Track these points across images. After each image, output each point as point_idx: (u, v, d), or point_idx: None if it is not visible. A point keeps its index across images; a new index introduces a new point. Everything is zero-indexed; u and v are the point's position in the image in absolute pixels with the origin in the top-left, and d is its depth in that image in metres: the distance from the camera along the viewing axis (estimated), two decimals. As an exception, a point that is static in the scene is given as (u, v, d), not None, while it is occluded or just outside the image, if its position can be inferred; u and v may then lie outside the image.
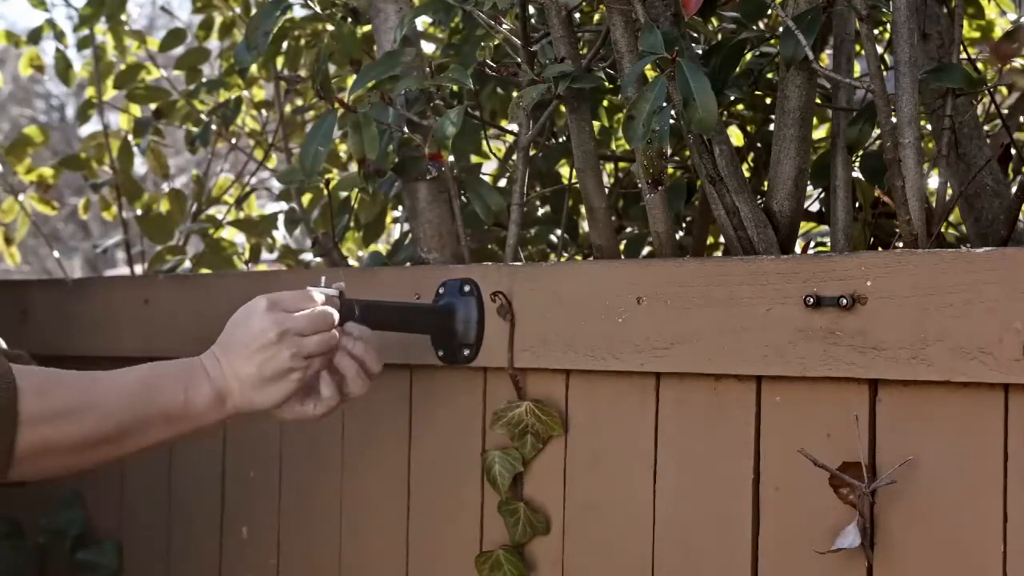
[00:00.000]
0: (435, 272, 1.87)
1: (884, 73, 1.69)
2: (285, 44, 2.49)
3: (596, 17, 2.17)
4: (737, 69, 1.87)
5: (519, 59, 1.91)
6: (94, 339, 2.26)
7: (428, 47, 2.38)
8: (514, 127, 2.08)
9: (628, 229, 2.33)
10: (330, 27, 2.29)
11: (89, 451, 1.64)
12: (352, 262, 2.58)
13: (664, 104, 1.57)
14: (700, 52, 1.88)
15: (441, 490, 1.87)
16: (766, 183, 1.78)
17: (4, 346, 1.76)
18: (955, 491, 1.42)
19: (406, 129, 1.98)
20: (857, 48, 1.85)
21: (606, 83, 1.94)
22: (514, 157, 1.96)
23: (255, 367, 1.66)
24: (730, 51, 1.82)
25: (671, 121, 1.65)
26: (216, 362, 1.67)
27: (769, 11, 1.99)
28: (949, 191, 1.85)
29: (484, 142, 2.25)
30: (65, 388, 1.63)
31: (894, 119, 1.61)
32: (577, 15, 2.02)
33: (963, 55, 1.95)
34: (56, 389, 1.62)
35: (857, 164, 1.95)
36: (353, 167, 2.20)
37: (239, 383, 1.66)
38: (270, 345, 1.66)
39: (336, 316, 1.70)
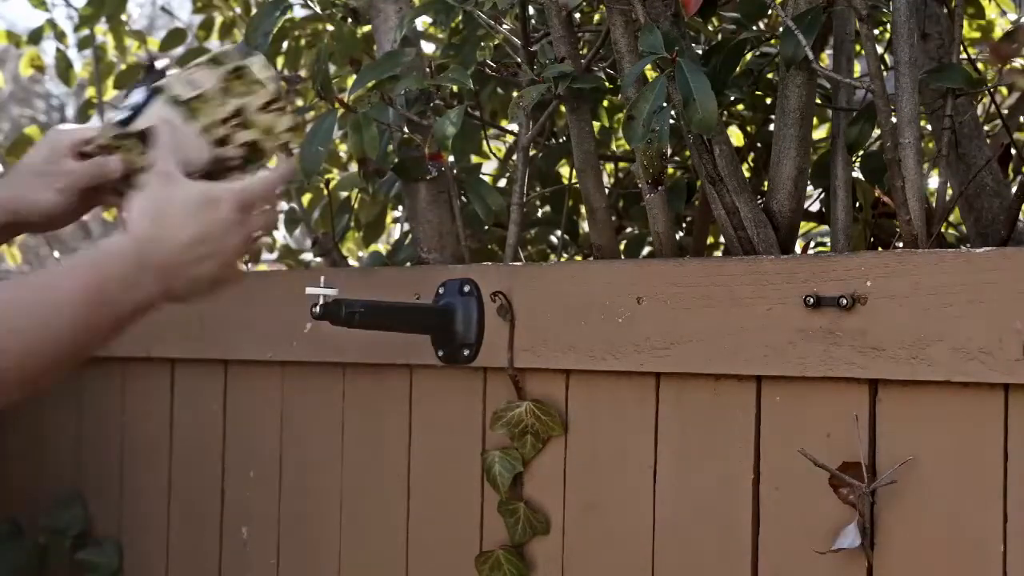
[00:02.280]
0: (435, 272, 1.87)
1: (884, 73, 1.69)
2: (285, 44, 2.49)
3: (596, 17, 2.17)
4: (737, 69, 1.87)
5: (519, 59, 1.91)
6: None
7: (428, 47, 2.38)
8: (514, 127, 2.08)
9: (628, 229, 2.33)
10: (330, 27, 2.29)
11: (34, 369, 1.48)
12: (352, 262, 2.58)
13: (664, 104, 1.57)
14: (700, 52, 1.88)
15: (441, 490, 1.87)
16: (766, 183, 1.78)
17: None
18: (955, 491, 1.42)
19: (406, 129, 1.98)
20: (857, 48, 1.85)
21: (606, 83, 1.94)
22: (514, 157, 1.96)
23: (207, 269, 1.52)
24: (730, 51, 1.82)
25: (671, 121, 1.65)
26: (163, 252, 1.50)
27: (769, 11, 1.99)
28: (949, 191, 1.85)
29: (484, 142, 2.25)
30: (16, 299, 1.46)
31: (894, 119, 1.61)
32: (577, 15, 2.02)
33: (963, 55, 1.95)
34: (5, 301, 1.45)
35: (857, 164, 1.95)
36: (353, 167, 2.20)
37: (185, 282, 1.52)
38: (229, 252, 1.52)
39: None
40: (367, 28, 2.25)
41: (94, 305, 1.49)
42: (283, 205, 1.59)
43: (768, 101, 2.12)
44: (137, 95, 1.57)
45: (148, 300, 1.52)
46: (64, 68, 3.00)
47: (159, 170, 1.54)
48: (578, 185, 1.90)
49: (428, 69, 2.04)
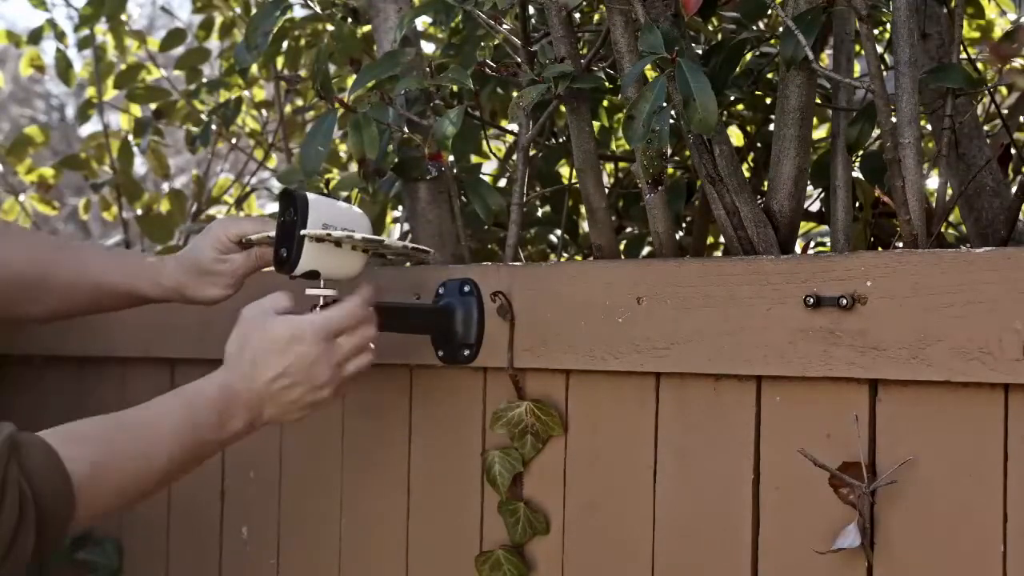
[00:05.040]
0: (435, 272, 1.87)
1: (884, 73, 1.69)
2: (285, 44, 2.49)
3: (596, 17, 2.17)
4: (737, 69, 1.87)
5: (519, 59, 1.91)
6: (93, 340, 2.26)
7: (428, 47, 2.38)
8: (514, 127, 2.08)
9: (628, 229, 2.33)
10: (330, 27, 2.29)
11: (132, 504, 1.63)
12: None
13: (664, 104, 1.57)
14: (700, 52, 1.88)
15: (441, 490, 1.87)
16: (766, 183, 1.78)
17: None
18: (955, 491, 1.42)
19: (406, 129, 1.98)
20: (857, 48, 1.85)
21: (606, 83, 1.94)
22: (514, 157, 1.96)
23: (296, 396, 1.66)
24: (730, 51, 1.82)
25: (671, 121, 1.65)
26: (252, 389, 1.64)
27: (769, 11, 1.99)
28: (949, 191, 1.85)
29: (484, 142, 2.25)
30: (116, 462, 1.57)
31: (894, 119, 1.61)
32: (577, 15, 2.02)
33: (963, 55, 1.95)
34: (109, 466, 1.56)
35: (857, 164, 1.95)
36: (353, 167, 2.20)
37: (276, 409, 1.66)
38: (318, 380, 1.66)
39: (374, 330, 1.71)
40: (367, 28, 2.25)
41: (187, 448, 1.62)
42: (372, 331, 1.72)
43: (768, 101, 2.12)
44: (287, 243, 1.71)
45: (237, 434, 1.66)
46: (64, 68, 3.00)
47: (252, 313, 1.68)
48: (578, 185, 1.90)
49: (428, 69, 2.04)
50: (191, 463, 1.65)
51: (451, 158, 2.03)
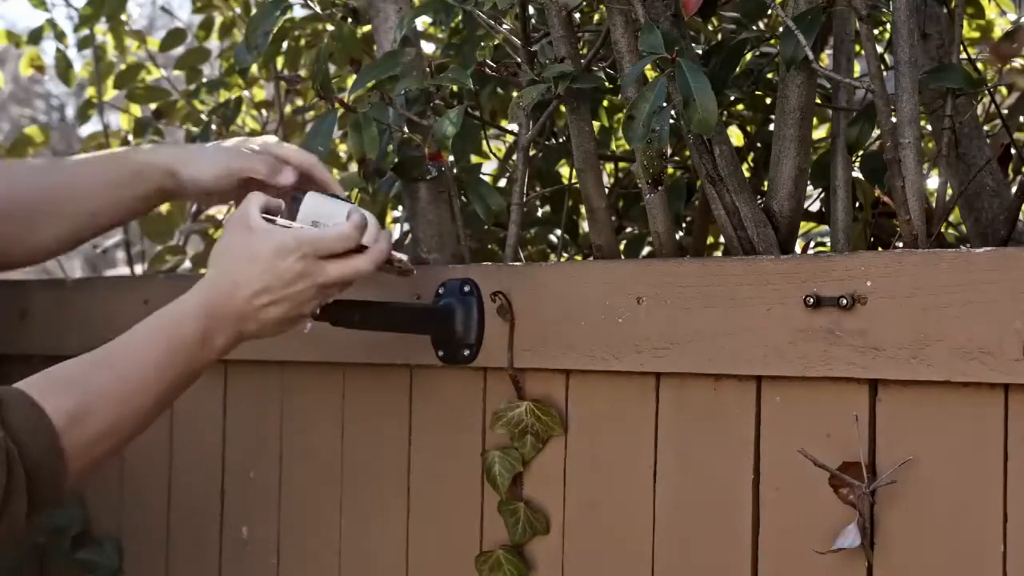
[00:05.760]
0: (435, 272, 1.87)
1: (884, 73, 1.69)
2: (285, 44, 2.48)
3: (596, 17, 2.17)
4: (737, 69, 1.87)
5: (519, 59, 1.91)
6: (93, 339, 2.26)
7: (428, 47, 2.38)
8: (514, 127, 2.08)
9: (628, 229, 2.33)
10: (330, 27, 2.29)
11: (128, 441, 1.62)
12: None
13: (664, 104, 1.57)
14: (700, 52, 1.88)
15: (441, 490, 1.87)
16: (766, 183, 1.78)
17: None
18: (955, 491, 1.42)
19: (406, 129, 1.98)
20: (857, 48, 1.85)
21: (606, 83, 1.94)
22: (514, 157, 1.96)
23: (278, 314, 1.64)
24: (730, 51, 1.82)
25: (671, 121, 1.65)
26: (232, 306, 1.62)
27: (769, 11, 1.99)
28: (949, 191, 1.85)
29: (484, 142, 2.25)
30: (99, 403, 1.56)
31: (894, 119, 1.61)
32: (577, 15, 2.02)
33: (963, 55, 1.95)
34: (91, 409, 1.55)
35: (857, 164, 1.95)
36: (353, 167, 2.20)
37: (257, 326, 1.64)
38: (302, 298, 1.64)
39: (367, 266, 1.69)
40: (367, 28, 2.25)
41: (172, 376, 1.62)
42: (363, 265, 1.68)
43: (768, 101, 2.12)
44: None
45: (222, 350, 1.65)
46: (64, 68, 2.99)
47: (238, 217, 1.65)
48: (578, 185, 1.90)
49: (428, 69, 2.04)
50: (180, 388, 1.64)
51: (451, 158, 2.03)
